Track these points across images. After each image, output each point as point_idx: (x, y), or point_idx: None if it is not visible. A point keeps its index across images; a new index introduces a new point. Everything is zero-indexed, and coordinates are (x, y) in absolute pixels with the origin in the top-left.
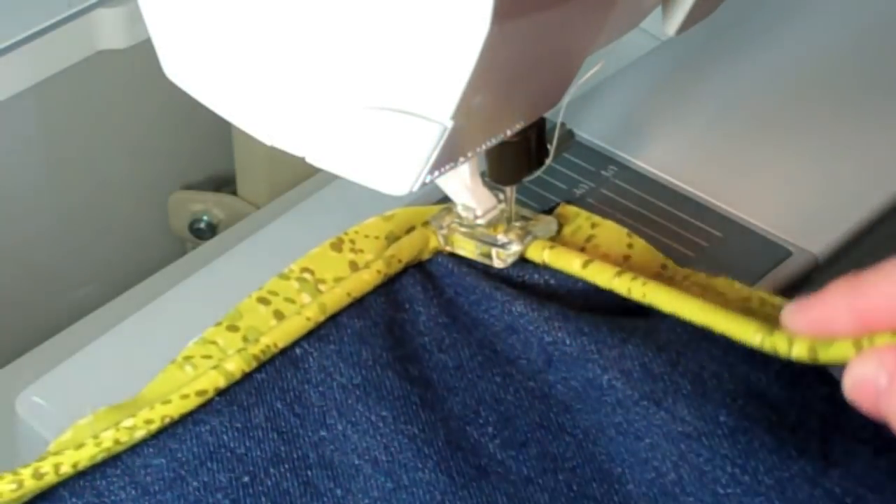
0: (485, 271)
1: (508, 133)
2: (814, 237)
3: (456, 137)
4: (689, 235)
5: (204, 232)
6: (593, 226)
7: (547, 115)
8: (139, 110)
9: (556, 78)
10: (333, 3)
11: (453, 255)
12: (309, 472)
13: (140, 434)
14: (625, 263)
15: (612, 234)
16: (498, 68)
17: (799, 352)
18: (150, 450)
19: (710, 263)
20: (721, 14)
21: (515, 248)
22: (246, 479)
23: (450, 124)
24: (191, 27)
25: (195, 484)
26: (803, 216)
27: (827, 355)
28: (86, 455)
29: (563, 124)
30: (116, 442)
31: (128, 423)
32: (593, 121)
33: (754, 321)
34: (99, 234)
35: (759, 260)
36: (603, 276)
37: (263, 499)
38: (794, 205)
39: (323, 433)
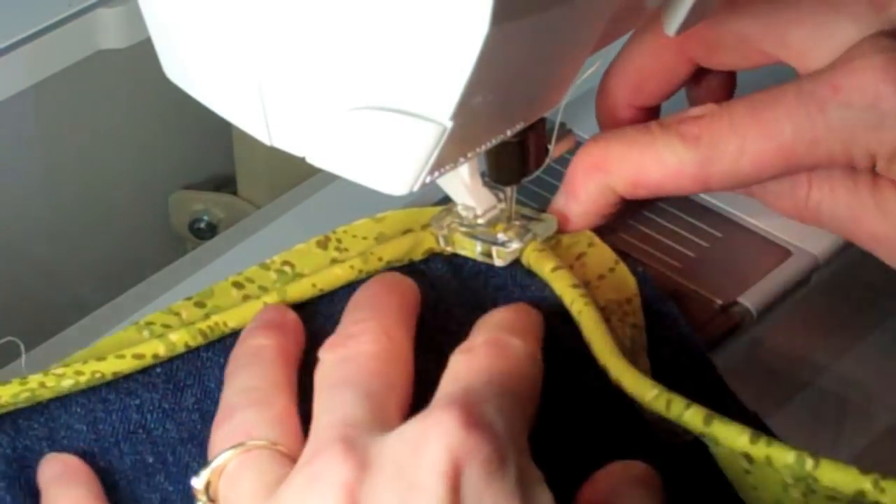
0: (469, 281)
1: (508, 133)
2: (814, 237)
3: (456, 138)
4: (689, 235)
5: (204, 232)
6: (589, 244)
7: (547, 114)
8: (139, 110)
9: (555, 78)
10: (333, 4)
11: (449, 259)
12: None
13: (67, 383)
14: (599, 281)
15: (601, 255)
16: (497, 69)
17: (692, 418)
18: (79, 410)
19: (710, 263)
20: None
21: (515, 245)
22: (150, 459)
23: (449, 125)
24: (190, 27)
25: (102, 464)
26: None
27: (721, 431)
28: (8, 392)
29: (562, 124)
30: (42, 385)
31: (58, 370)
32: (593, 121)
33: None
34: (99, 234)
35: (759, 260)
36: (561, 283)
37: (160, 478)
38: None
39: None
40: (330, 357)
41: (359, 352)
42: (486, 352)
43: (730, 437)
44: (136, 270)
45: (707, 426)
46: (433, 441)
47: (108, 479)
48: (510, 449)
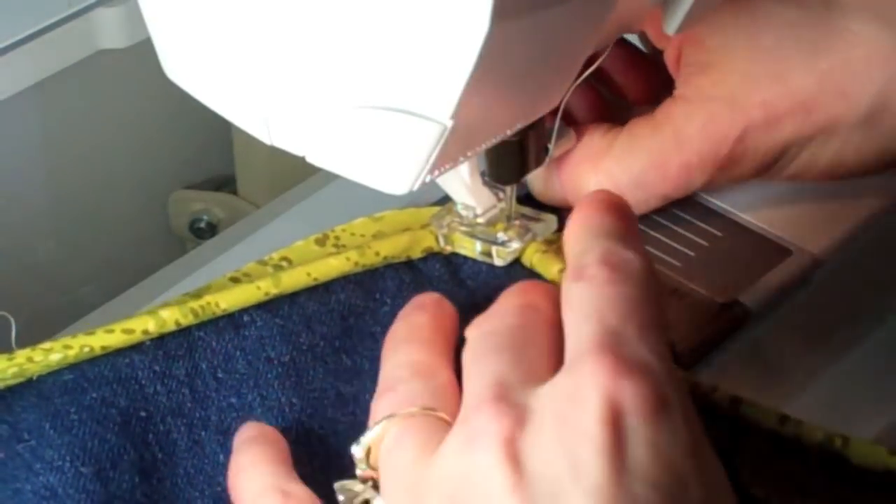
0: (468, 281)
1: (508, 132)
2: (814, 237)
3: (456, 137)
4: (689, 235)
5: (204, 232)
6: None
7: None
8: (139, 110)
9: (556, 78)
10: (333, 3)
11: (448, 258)
12: (203, 433)
13: (55, 357)
14: None
15: None
16: (498, 68)
17: (719, 400)
18: (65, 370)
19: (710, 263)
20: None
21: (515, 245)
22: (143, 413)
23: (450, 124)
24: (190, 26)
25: (94, 395)
26: (803, 216)
27: (750, 412)
28: None
29: (562, 124)
30: (29, 359)
31: (46, 345)
32: None
33: None
34: (99, 233)
35: (759, 260)
36: None
37: (151, 436)
38: (794, 205)
39: (233, 400)
40: (475, 333)
41: (504, 324)
42: (607, 277)
43: (758, 419)
44: (136, 270)
45: (734, 408)
46: (590, 391)
47: (104, 410)
48: (669, 386)
